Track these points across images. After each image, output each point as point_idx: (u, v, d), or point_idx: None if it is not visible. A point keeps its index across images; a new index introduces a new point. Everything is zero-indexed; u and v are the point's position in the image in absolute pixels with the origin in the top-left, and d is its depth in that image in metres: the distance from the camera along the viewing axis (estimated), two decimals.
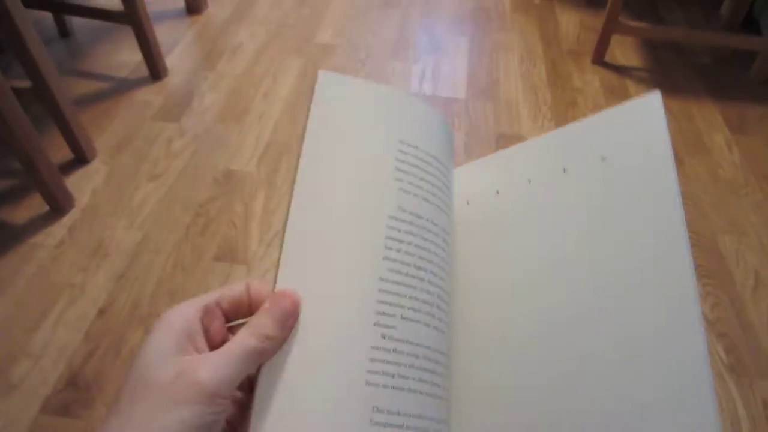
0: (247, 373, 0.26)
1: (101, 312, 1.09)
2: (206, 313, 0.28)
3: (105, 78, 1.69)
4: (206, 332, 0.28)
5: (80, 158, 1.40)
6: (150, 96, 1.62)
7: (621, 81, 1.74)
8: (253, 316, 0.28)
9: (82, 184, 1.34)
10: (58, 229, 1.24)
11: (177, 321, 0.26)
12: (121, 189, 1.34)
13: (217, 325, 0.29)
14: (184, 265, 1.18)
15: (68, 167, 1.38)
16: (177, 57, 1.79)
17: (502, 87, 1.71)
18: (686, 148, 1.52)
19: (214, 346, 0.28)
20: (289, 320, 0.28)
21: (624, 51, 1.89)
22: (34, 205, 1.28)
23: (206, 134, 1.50)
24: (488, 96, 1.67)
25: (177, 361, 0.25)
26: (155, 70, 1.66)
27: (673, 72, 1.80)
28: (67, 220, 1.26)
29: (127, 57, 1.77)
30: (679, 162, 1.47)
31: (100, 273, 1.15)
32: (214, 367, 0.25)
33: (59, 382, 0.98)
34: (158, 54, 1.65)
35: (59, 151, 1.40)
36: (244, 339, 0.26)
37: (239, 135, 1.50)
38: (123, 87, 1.65)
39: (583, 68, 1.79)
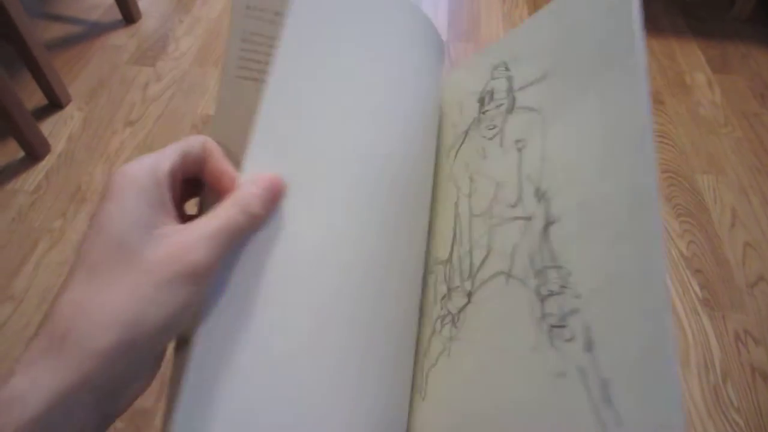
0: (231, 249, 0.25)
1: None
2: (173, 176, 0.26)
3: (76, 21, 1.63)
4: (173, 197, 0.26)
5: (54, 103, 1.36)
6: (123, 40, 1.57)
7: None
8: (239, 190, 0.26)
9: (57, 130, 1.32)
10: (34, 175, 1.22)
11: (147, 185, 0.23)
12: (98, 134, 1.31)
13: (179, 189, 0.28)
14: None
15: (42, 113, 1.35)
16: (150, 0, 1.73)
17: (484, 28, 1.68)
18: (667, 87, 1.51)
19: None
20: (274, 201, 0.27)
21: None
22: (9, 151, 1.26)
23: (183, 79, 1.47)
24: (469, 37, 1.65)
25: (159, 235, 0.23)
26: (128, 13, 1.61)
27: (655, 10, 1.77)
28: (43, 165, 1.24)
29: None
30: (659, 101, 1.47)
31: (79, 217, 1.14)
32: (205, 247, 0.23)
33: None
34: None
35: (32, 97, 1.36)
36: (235, 215, 0.25)
37: (217, 80, 1.47)
38: (95, 30, 1.60)
39: None
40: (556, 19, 0.31)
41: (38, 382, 0.19)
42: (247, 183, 0.26)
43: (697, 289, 1.11)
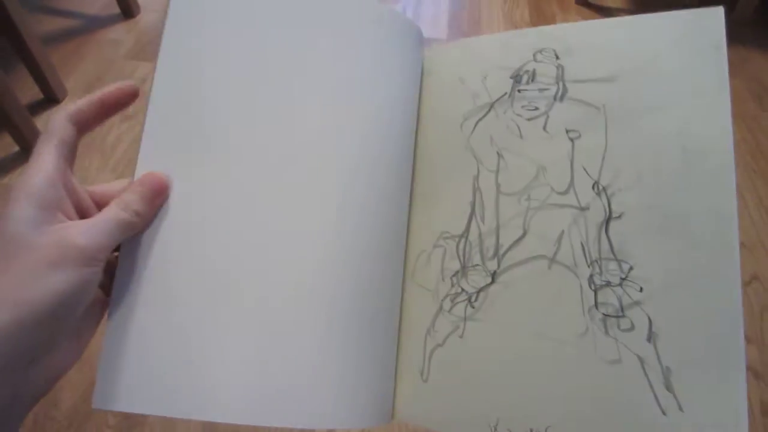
0: (118, 242, 0.28)
1: None
2: (65, 172, 0.28)
3: (74, 15, 1.63)
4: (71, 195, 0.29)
5: (50, 98, 1.36)
6: (121, 34, 1.57)
7: None
8: (124, 192, 0.29)
9: None
10: None
11: (38, 190, 0.26)
12: (94, 129, 1.31)
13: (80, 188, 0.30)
14: None
15: (38, 107, 1.35)
16: None
17: (484, 27, 1.68)
18: None
19: (79, 207, 0.29)
20: (157, 199, 0.30)
21: None
22: (5, 145, 1.25)
23: None
24: (470, 36, 1.64)
25: (52, 229, 0.26)
26: (127, 8, 1.60)
27: (655, 12, 1.77)
28: None
29: None
30: None
31: None
32: (90, 233, 0.26)
33: None
34: None
35: (28, 91, 1.36)
36: (117, 212, 0.28)
37: None
38: (93, 25, 1.59)
39: (566, 9, 1.76)
40: (634, 32, 0.34)
41: None
42: (134, 183, 0.30)
43: None
